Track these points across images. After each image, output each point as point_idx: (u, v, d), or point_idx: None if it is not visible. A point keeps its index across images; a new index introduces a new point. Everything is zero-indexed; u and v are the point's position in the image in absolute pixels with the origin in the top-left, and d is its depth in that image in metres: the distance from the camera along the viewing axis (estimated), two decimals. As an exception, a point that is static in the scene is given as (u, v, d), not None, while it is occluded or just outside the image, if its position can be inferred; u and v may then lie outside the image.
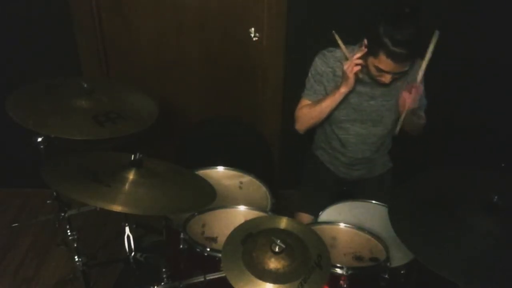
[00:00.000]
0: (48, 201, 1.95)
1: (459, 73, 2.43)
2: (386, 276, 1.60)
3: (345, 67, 1.83)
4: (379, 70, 1.78)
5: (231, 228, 1.47)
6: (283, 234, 1.42)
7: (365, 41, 1.80)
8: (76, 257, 1.89)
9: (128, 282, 2.22)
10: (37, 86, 1.86)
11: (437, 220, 1.42)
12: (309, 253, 1.38)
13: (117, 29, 2.49)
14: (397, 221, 1.43)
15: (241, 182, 2.05)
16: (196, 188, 1.65)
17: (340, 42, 1.86)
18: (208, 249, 1.65)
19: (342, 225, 1.79)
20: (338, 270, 1.56)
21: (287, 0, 2.31)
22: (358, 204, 1.94)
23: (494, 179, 1.60)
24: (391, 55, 1.69)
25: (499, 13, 2.28)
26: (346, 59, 1.86)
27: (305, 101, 2.02)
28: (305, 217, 2.01)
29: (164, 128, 2.38)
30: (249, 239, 1.40)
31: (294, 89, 2.09)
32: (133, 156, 1.48)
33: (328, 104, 1.93)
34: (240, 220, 1.67)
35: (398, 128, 1.90)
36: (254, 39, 2.46)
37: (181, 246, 1.69)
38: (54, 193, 1.94)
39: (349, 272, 1.56)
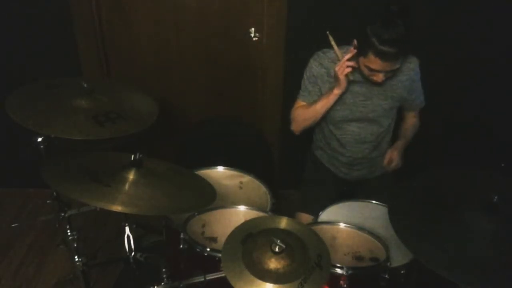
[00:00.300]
0: (48, 201, 1.95)
1: (459, 73, 2.43)
2: (386, 276, 1.60)
3: (336, 68, 1.86)
4: (370, 69, 1.80)
5: (231, 228, 1.47)
6: (283, 234, 1.42)
7: (355, 42, 1.82)
8: (76, 257, 1.89)
9: (128, 282, 2.22)
10: (37, 86, 1.86)
11: (437, 220, 1.42)
12: (309, 253, 1.38)
13: (117, 29, 2.49)
14: (397, 221, 1.43)
15: (241, 182, 2.05)
16: (196, 188, 1.65)
17: (333, 43, 1.89)
18: (208, 249, 1.65)
19: (342, 225, 1.79)
20: (338, 270, 1.56)
21: (287, 0, 2.31)
22: (358, 204, 1.94)
23: (494, 179, 1.60)
24: (379, 54, 1.72)
25: (499, 13, 2.28)
26: (340, 60, 1.88)
27: (300, 103, 2.04)
28: (305, 217, 2.01)
29: (164, 128, 2.39)
30: (249, 239, 1.40)
31: (294, 89, 2.09)
32: (133, 156, 1.48)
33: (322, 105, 1.94)
34: (240, 220, 1.67)
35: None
36: (254, 39, 2.46)
37: (181, 246, 1.69)
38: (54, 193, 1.93)
39: (349, 272, 1.56)
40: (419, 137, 2.18)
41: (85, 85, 1.76)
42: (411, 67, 1.95)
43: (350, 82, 1.90)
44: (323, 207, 1.90)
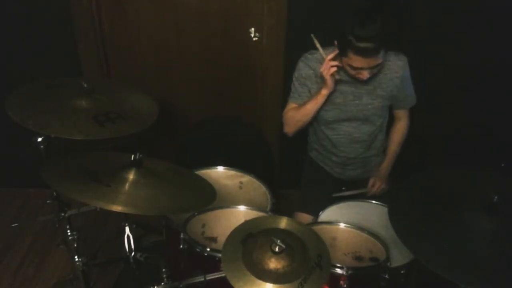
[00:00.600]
0: (48, 201, 1.95)
1: (459, 73, 2.42)
2: (386, 276, 1.60)
3: (321, 69, 1.87)
4: (353, 68, 1.81)
5: (231, 228, 1.47)
6: (283, 234, 1.42)
7: (335, 42, 1.83)
8: (76, 257, 1.89)
9: (128, 282, 2.22)
10: (37, 86, 1.86)
11: (437, 220, 1.42)
12: (309, 253, 1.38)
13: (117, 29, 2.49)
14: (397, 221, 1.43)
15: (241, 182, 2.05)
16: (196, 188, 1.65)
17: (318, 45, 1.90)
18: (208, 249, 1.65)
19: (342, 225, 1.79)
20: (338, 270, 1.56)
21: (287, 0, 2.31)
22: (358, 204, 1.95)
23: (494, 179, 1.60)
24: (358, 51, 1.72)
25: (499, 13, 2.28)
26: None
27: (291, 105, 2.05)
28: (305, 217, 2.01)
29: (164, 128, 2.39)
30: (249, 239, 1.40)
31: (294, 89, 2.09)
32: (133, 156, 1.48)
33: (311, 106, 1.95)
34: (240, 220, 1.67)
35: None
36: (254, 39, 2.46)
37: (181, 246, 1.69)
38: (54, 193, 1.93)
39: (349, 272, 1.56)
40: (419, 137, 2.18)
41: (85, 85, 1.76)
42: (400, 65, 1.95)
43: (338, 82, 1.91)
44: (323, 207, 1.90)
